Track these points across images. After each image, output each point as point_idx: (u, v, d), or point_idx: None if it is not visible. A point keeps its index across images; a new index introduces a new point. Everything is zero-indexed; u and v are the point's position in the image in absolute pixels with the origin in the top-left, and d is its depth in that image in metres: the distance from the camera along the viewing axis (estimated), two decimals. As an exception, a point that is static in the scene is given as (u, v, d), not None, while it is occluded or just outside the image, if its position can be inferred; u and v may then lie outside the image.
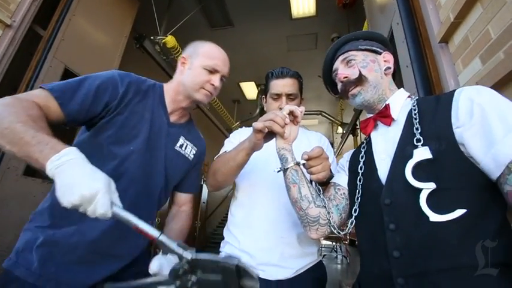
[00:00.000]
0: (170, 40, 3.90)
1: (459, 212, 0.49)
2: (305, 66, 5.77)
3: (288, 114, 0.79)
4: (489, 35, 0.83)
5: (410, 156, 0.57)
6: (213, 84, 0.91)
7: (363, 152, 0.75)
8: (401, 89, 0.76)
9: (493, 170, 0.48)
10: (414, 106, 0.65)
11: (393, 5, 1.59)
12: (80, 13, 2.32)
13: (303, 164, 0.77)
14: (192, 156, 1.01)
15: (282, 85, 1.06)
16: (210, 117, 5.97)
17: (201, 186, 7.37)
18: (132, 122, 0.83)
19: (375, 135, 0.74)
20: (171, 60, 4.27)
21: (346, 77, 0.74)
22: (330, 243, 8.64)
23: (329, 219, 0.73)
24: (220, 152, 1.08)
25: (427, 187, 0.53)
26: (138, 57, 4.12)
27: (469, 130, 0.52)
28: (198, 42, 0.97)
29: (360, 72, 0.72)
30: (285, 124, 0.78)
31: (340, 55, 0.79)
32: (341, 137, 7.01)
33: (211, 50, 0.95)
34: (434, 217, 0.51)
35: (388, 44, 0.82)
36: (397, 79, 0.83)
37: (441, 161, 0.54)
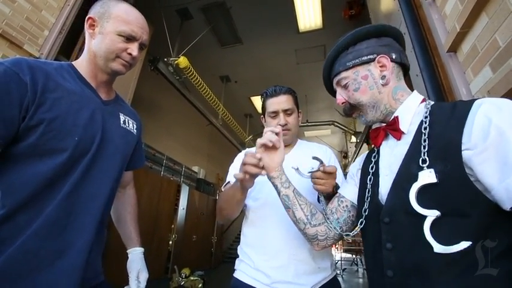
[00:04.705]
0: (183, 61, 4.07)
1: (464, 245, 0.46)
2: (315, 78, 5.82)
3: (262, 146, 0.79)
4: (497, 43, 0.83)
5: (415, 178, 0.53)
6: (130, 54, 0.81)
7: (373, 163, 0.71)
8: (413, 93, 0.68)
9: (505, 200, 0.44)
10: (426, 118, 0.58)
11: (399, 15, 1.62)
12: (99, 42, 2.48)
13: (311, 173, 0.86)
14: (136, 130, 0.97)
15: (277, 103, 1.09)
16: (223, 132, 6.07)
17: (216, 201, 7.39)
18: (61, 110, 0.71)
19: (384, 147, 0.70)
20: (184, 80, 4.44)
21: (343, 102, 0.72)
22: (349, 255, 8.32)
23: (327, 235, 0.76)
24: (226, 181, 1.13)
25: (431, 214, 0.49)
26: (153, 78, 4.31)
27: (481, 154, 0.47)
28: (108, 1, 0.83)
29: (351, 102, 0.70)
30: (259, 161, 0.77)
31: (333, 77, 0.74)
32: (355, 146, 6.91)
33: (126, 12, 0.81)
34: (438, 248, 0.48)
35: (381, 31, 0.69)
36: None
37: (445, 185, 0.50)
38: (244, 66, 5.65)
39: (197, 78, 4.50)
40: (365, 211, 0.67)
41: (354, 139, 7.06)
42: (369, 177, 0.69)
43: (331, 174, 0.85)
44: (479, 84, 0.93)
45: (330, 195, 0.88)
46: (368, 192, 0.68)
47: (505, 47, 0.80)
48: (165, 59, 4.08)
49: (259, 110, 8.04)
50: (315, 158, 0.87)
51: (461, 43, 1.04)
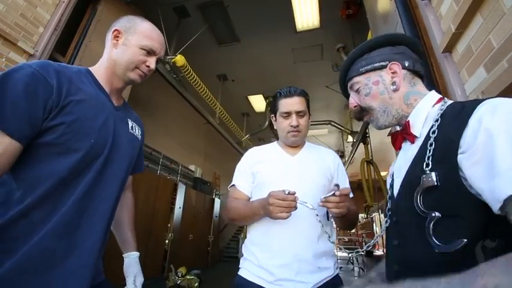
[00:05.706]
0: (180, 59, 4.05)
1: (459, 243, 0.47)
2: (312, 77, 5.83)
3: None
4: (491, 44, 0.84)
5: (418, 181, 0.55)
6: (148, 66, 0.89)
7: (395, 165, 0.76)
8: (427, 95, 0.66)
9: (492, 203, 0.43)
10: (436, 121, 0.58)
11: (395, 15, 1.62)
12: (95, 39, 2.46)
13: (325, 199, 0.86)
14: (140, 136, 1.01)
15: (291, 103, 1.10)
16: (220, 131, 6.06)
17: (213, 200, 7.38)
18: (81, 113, 0.75)
19: (402, 149, 0.71)
20: (181, 78, 4.42)
21: (355, 106, 0.74)
22: (345, 255, 8.38)
23: None
24: (233, 182, 1.16)
25: (432, 215, 0.51)
26: (150, 77, 4.27)
27: (470, 158, 0.46)
28: (134, 18, 0.91)
29: (362, 105, 0.72)
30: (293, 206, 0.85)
31: (347, 82, 0.77)
32: (351, 146, 6.94)
33: (150, 29, 0.90)
34: (439, 247, 0.49)
35: (397, 40, 0.71)
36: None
37: (444, 188, 0.51)
38: (241, 65, 5.64)
39: (194, 76, 4.48)
40: (389, 210, 0.70)
41: (350, 139, 7.09)
42: (390, 179, 0.73)
43: (347, 196, 0.87)
44: (474, 85, 0.94)
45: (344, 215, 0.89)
46: (389, 193, 0.72)
47: (499, 48, 0.81)
48: (162, 57, 4.06)
49: (257, 108, 8.01)
50: (336, 185, 0.88)
51: (456, 44, 1.05)
